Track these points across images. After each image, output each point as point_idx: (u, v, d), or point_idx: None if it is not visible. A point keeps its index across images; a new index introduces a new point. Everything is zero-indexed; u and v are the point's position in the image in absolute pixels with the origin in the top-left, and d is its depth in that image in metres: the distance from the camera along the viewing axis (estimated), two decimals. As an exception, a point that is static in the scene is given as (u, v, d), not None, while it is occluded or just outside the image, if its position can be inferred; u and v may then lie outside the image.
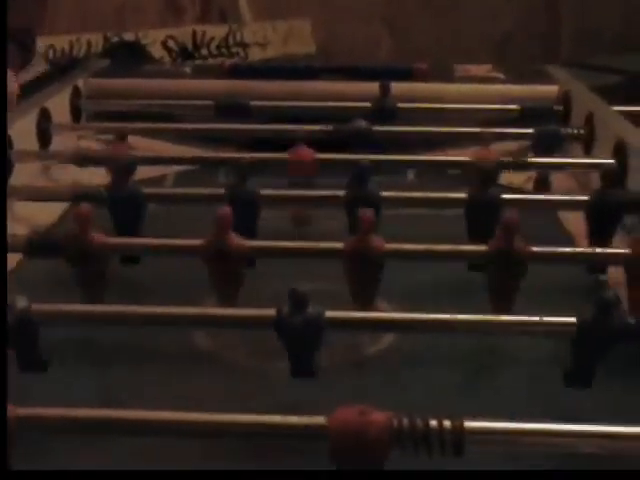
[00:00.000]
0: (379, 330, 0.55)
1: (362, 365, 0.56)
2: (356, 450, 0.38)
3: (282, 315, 0.46)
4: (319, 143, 0.76)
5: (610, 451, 0.40)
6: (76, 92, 0.95)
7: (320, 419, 0.39)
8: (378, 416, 0.38)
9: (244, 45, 1.57)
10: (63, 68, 1.23)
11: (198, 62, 1.50)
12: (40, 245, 0.60)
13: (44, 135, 0.84)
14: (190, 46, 1.52)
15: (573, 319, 0.47)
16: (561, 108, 0.93)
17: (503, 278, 0.54)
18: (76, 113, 0.94)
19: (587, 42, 1.80)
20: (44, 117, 0.85)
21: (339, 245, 0.56)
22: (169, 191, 0.76)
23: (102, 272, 0.58)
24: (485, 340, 0.55)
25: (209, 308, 0.54)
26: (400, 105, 0.89)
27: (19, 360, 0.49)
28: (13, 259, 0.66)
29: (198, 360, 0.57)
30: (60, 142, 0.87)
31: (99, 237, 0.57)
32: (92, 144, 0.91)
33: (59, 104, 0.90)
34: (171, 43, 1.50)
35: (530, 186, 0.84)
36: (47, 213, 0.75)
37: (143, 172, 0.83)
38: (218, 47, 1.54)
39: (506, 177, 0.83)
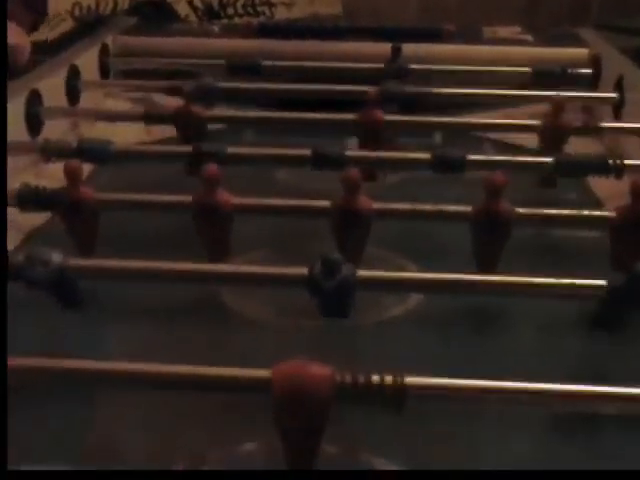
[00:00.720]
0: (410, 290, 0.56)
1: (387, 324, 0.56)
2: (297, 402, 0.37)
3: (314, 276, 0.47)
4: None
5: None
6: (104, 50, 0.95)
7: (264, 372, 0.38)
8: (320, 369, 0.38)
9: (270, 4, 1.56)
10: (90, 25, 1.23)
11: (224, 21, 1.50)
12: (30, 198, 0.61)
13: (73, 92, 0.85)
14: (216, 5, 1.51)
15: (603, 282, 0.47)
16: (590, 71, 0.92)
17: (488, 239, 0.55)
18: (104, 71, 0.94)
19: (617, 4, 1.78)
20: (73, 74, 0.86)
21: (326, 203, 0.57)
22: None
23: (93, 226, 0.59)
24: (511, 301, 0.56)
25: (239, 266, 0.54)
26: (414, 67, 0.89)
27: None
28: (41, 215, 0.67)
29: (225, 317, 0.57)
30: (88, 99, 0.88)
31: (88, 191, 0.58)
32: (120, 102, 0.91)
33: (88, 61, 0.91)
34: (197, 1, 1.49)
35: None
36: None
37: (170, 131, 0.84)
38: (244, 6, 1.53)
39: (519, 138, 0.83)
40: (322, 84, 0.84)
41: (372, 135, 0.73)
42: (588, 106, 0.90)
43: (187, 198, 0.57)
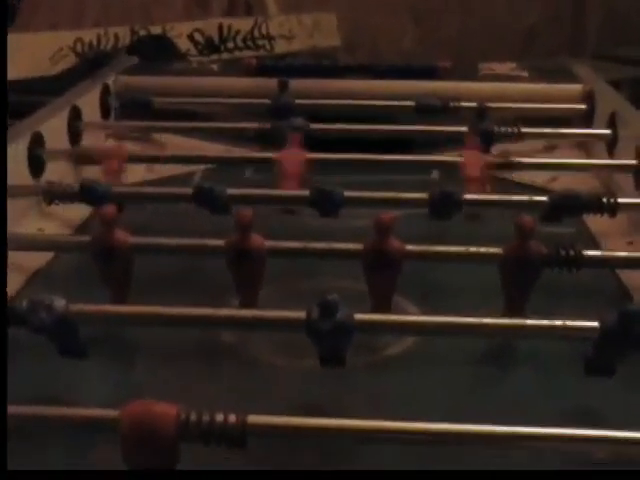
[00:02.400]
0: (407, 333, 0.57)
1: (383, 365, 0.57)
2: (144, 442, 0.38)
3: (312, 320, 0.48)
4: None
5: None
6: (106, 90, 0.96)
7: (112, 412, 0.40)
8: (164, 408, 0.39)
9: (270, 38, 1.58)
10: (92, 62, 1.25)
11: (224, 55, 1.52)
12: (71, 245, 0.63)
13: (75, 133, 0.86)
14: (216, 39, 1.53)
15: (596, 323, 0.48)
16: (585, 106, 0.94)
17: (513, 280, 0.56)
18: (106, 111, 0.95)
19: (614, 33, 1.80)
20: (75, 115, 0.87)
21: (358, 246, 0.57)
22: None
23: (127, 270, 0.59)
24: (505, 341, 0.57)
25: (238, 310, 0.55)
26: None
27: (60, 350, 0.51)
28: (44, 256, 0.68)
29: (223, 355, 0.58)
30: (90, 139, 0.89)
31: (123, 236, 0.59)
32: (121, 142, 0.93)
33: (89, 102, 0.92)
34: (197, 36, 1.51)
35: (555, 186, 0.84)
36: (76, 210, 0.76)
37: (171, 169, 0.86)
38: (244, 40, 1.55)
39: (529, 176, 0.85)
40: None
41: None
42: (583, 142, 0.92)
43: (220, 242, 0.58)
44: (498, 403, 0.52)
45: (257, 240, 0.57)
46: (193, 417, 0.39)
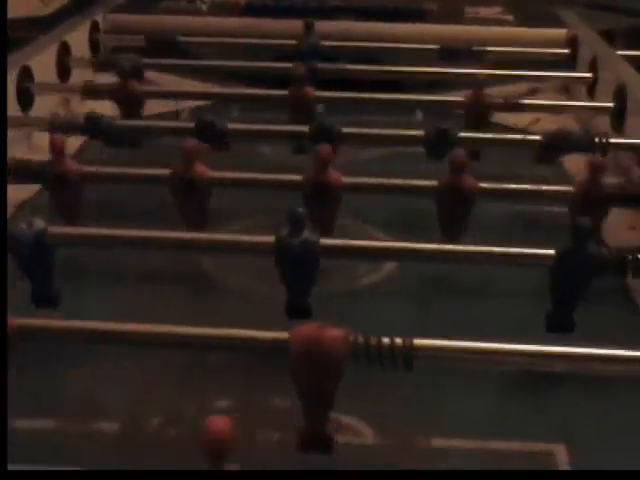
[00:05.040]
0: (370, 259, 0.59)
1: (358, 294, 0.59)
2: (313, 362, 0.40)
3: (280, 237, 0.49)
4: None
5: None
6: (95, 27, 0.97)
7: (284, 334, 0.41)
8: (335, 331, 0.41)
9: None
10: (83, 3, 1.25)
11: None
12: (21, 172, 0.64)
13: (64, 68, 0.87)
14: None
15: (552, 251, 0.50)
16: (568, 51, 0.95)
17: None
18: (95, 48, 0.96)
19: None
20: (64, 51, 0.88)
21: (298, 177, 0.59)
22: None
23: (77, 197, 0.62)
24: (477, 270, 0.59)
25: (210, 233, 0.56)
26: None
27: (33, 293, 0.52)
28: (31, 189, 0.69)
29: (203, 283, 0.60)
30: (79, 75, 0.90)
31: (72, 164, 0.61)
32: (110, 78, 0.93)
33: (78, 38, 0.93)
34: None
35: (536, 127, 0.85)
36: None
37: (157, 107, 0.87)
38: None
39: (511, 118, 0.86)
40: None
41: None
42: (564, 85, 0.93)
43: (165, 171, 0.60)
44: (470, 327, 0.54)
45: (201, 169, 0.59)
46: (361, 340, 0.41)
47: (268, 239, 0.50)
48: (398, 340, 0.42)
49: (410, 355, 0.41)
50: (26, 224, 0.50)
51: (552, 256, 0.49)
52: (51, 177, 0.61)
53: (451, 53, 0.92)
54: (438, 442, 0.45)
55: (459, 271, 0.58)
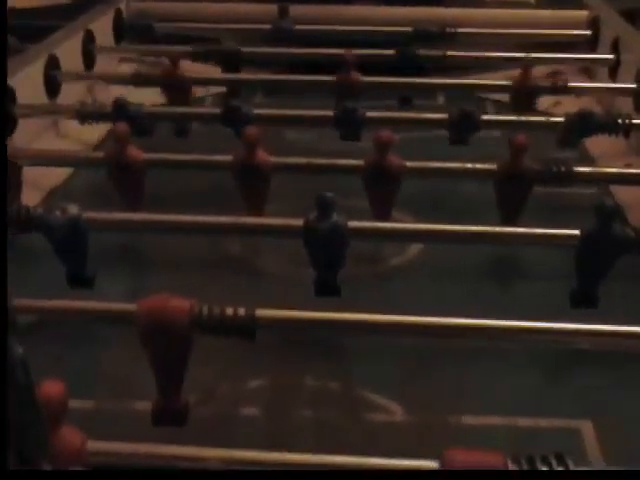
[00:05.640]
0: (400, 240, 0.60)
1: (386, 275, 0.60)
2: (160, 331, 0.41)
3: (309, 221, 0.50)
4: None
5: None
6: (119, 14, 0.98)
7: (131, 306, 0.42)
8: (178, 302, 0.42)
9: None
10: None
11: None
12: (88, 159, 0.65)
13: (89, 56, 0.88)
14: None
15: (577, 231, 0.51)
16: (589, 32, 0.95)
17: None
18: (119, 35, 0.97)
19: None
20: (89, 38, 0.89)
21: (359, 162, 0.60)
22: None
23: (139, 183, 0.62)
24: (501, 251, 0.59)
25: (239, 217, 0.57)
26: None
27: (68, 275, 0.53)
28: (61, 174, 0.70)
29: (229, 265, 0.61)
30: (103, 63, 0.91)
31: (136, 152, 0.62)
32: (133, 66, 0.94)
33: (103, 26, 0.94)
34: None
35: (558, 110, 0.85)
36: (91, 131, 0.78)
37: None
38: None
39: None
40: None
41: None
42: (586, 67, 0.93)
43: (228, 158, 0.61)
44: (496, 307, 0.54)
45: (262, 156, 0.60)
46: (205, 310, 0.42)
47: (297, 222, 0.51)
48: (241, 311, 0.42)
49: (252, 325, 0.42)
50: (60, 210, 0.51)
51: (577, 236, 0.50)
52: (115, 164, 0.61)
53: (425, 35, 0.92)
54: (465, 420, 0.46)
55: (484, 252, 0.59)
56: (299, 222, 0.51)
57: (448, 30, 0.92)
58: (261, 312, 0.43)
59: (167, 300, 0.41)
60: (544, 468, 0.34)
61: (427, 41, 0.91)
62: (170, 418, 0.42)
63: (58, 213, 0.51)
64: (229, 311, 0.42)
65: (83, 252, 0.53)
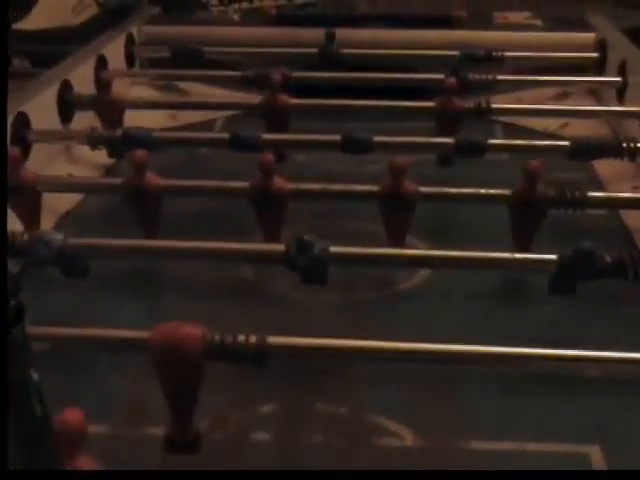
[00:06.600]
0: (398, 266, 0.60)
1: (396, 298, 0.61)
2: (169, 359, 0.41)
3: (289, 255, 0.52)
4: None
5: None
6: (130, 39, 0.99)
7: (143, 333, 0.43)
8: (190, 329, 0.42)
9: (291, -15, 1.58)
10: (114, 12, 1.27)
11: (245, 4, 1.52)
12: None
13: (102, 81, 0.89)
14: (237, -13, 1.53)
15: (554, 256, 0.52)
16: (597, 55, 0.96)
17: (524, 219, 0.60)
18: (130, 60, 0.98)
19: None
20: (101, 63, 0.90)
21: (374, 188, 0.60)
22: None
23: (156, 210, 0.63)
24: (511, 276, 0.60)
25: (224, 243, 0.57)
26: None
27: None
28: (74, 198, 0.71)
29: (243, 291, 0.61)
30: (115, 87, 0.92)
31: (153, 178, 0.62)
32: (145, 90, 0.95)
33: (114, 51, 0.95)
34: (219, -15, 1.52)
35: (566, 132, 0.86)
36: (104, 155, 0.79)
37: (192, 117, 0.88)
38: (265, -13, 1.56)
39: (542, 123, 0.87)
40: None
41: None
42: (593, 89, 0.94)
43: (245, 184, 0.61)
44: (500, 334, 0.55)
45: (279, 182, 0.61)
46: (217, 338, 0.43)
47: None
48: (253, 338, 0.43)
49: (263, 353, 0.43)
50: (44, 243, 0.53)
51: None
52: (133, 191, 0.62)
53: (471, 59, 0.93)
54: (475, 444, 0.46)
55: (493, 276, 0.60)
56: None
57: (495, 54, 0.93)
58: (273, 339, 0.44)
59: (180, 327, 0.42)
60: None
61: (475, 64, 0.92)
62: (183, 445, 0.42)
63: (41, 246, 0.53)
64: (241, 338, 0.43)
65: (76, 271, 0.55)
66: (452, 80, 0.79)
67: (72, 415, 0.34)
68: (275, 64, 0.92)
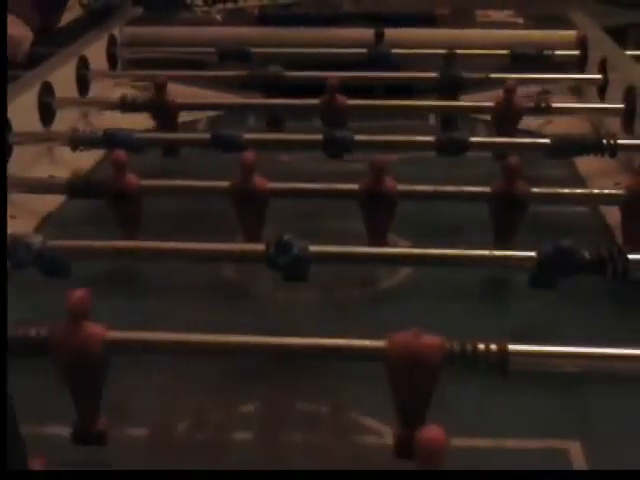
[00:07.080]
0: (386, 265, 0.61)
1: (379, 297, 0.61)
2: (411, 369, 0.41)
3: (269, 255, 0.53)
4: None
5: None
6: (112, 40, 0.99)
7: (379, 342, 0.42)
8: (431, 339, 0.41)
9: (274, -17, 1.58)
10: (97, 13, 1.26)
11: (229, 4, 1.52)
12: (81, 187, 0.65)
13: (83, 82, 0.89)
14: (221, -12, 1.53)
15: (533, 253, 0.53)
16: (578, 52, 0.96)
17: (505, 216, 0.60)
18: (113, 61, 0.98)
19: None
20: (83, 65, 0.90)
21: (354, 186, 0.61)
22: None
23: (137, 210, 0.63)
24: (494, 273, 0.60)
25: (206, 244, 0.57)
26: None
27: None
28: (56, 200, 0.71)
29: (226, 291, 0.61)
30: (97, 89, 0.92)
31: (133, 179, 0.62)
32: (128, 91, 0.95)
33: (96, 52, 0.95)
34: (203, -17, 1.51)
35: (548, 129, 0.86)
36: (86, 157, 0.79)
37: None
38: (249, -12, 1.56)
39: (524, 121, 0.87)
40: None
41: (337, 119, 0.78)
42: (574, 87, 0.94)
43: (225, 183, 0.62)
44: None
45: (260, 181, 0.61)
46: (457, 347, 0.42)
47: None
48: (493, 346, 0.43)
49: (506, 360, 0.42)
50: (24, 246, 0.53)
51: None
52: (113, 192, 0.62)
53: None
54: (453, 442, 0.46)
55: (475, 274, 0.60)
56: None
57: (545, 52, 0.94)
58: (514, 347, 0.43)
59: (420, 338, 0.41)
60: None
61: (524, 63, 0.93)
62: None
63: (20, 249, 0.53)
64: (481, 346, 0.43)
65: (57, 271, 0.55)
66: (512, 82, 0.79)
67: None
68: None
